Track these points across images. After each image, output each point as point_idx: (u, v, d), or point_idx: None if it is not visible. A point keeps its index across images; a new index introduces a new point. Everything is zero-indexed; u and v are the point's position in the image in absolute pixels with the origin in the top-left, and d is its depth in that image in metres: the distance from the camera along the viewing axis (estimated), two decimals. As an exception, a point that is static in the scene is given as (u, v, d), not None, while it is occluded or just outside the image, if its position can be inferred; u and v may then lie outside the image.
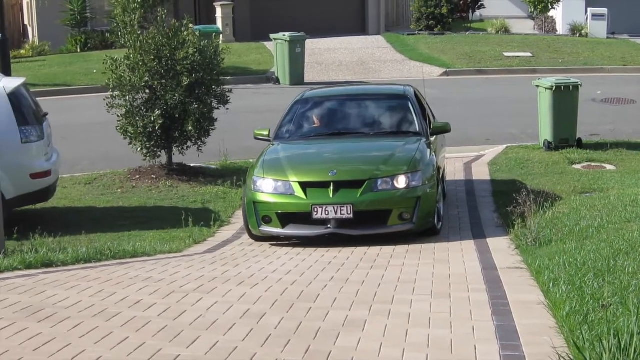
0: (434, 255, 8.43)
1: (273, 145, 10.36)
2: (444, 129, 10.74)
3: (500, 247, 8.57)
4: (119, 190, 12.71)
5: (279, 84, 23.66)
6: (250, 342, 4.91)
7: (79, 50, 29.86)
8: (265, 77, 24.49)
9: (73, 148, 14.57)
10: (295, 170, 9.16)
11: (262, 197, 9.05)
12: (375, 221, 8.93)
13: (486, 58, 26.45)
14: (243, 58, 25.95)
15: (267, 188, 9.06)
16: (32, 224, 9.49)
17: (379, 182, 8.94)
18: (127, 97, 13.14)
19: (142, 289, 6.63)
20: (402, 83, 13.72)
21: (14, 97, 11.51)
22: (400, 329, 5.31)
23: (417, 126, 10.29)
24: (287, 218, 8.98)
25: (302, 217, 8.94)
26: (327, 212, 8.72)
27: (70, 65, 26.51)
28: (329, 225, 8.80)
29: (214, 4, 31.28)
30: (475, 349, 4.72)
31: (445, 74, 24.94)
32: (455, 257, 8.25)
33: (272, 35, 24.80)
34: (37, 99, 12.76)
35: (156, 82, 13.03)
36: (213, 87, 13.62)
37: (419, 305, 5.96)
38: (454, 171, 13.40)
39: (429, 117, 11.16)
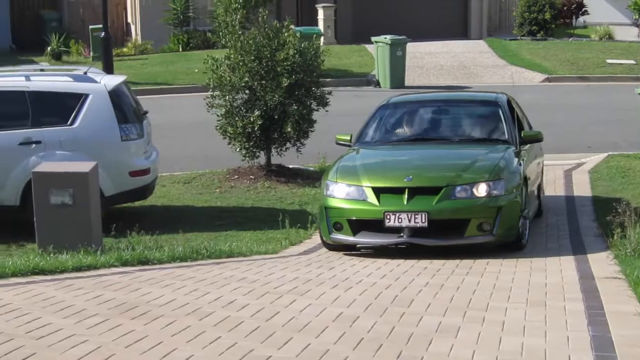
0: (531, 263, 8.37)
1: (352, 150, 10.14)
2: (536, 138, 10.12)
3: (599, 256, 8.46)
4: (217, 190, 12.97)
5: (380, 87, 23.94)
6: (342, 346, 4.95)
7: (180, 50, 30.78)
8: (365, 80, 24.80)
9: (172, 147, 14.93)
10: (369, 175, 8.83)
11: (333, 203, 8.76)
12: (452, 231, 8.53)
13: (589, 65, 26.22)
14: (344, 60, 26.23)
15: (339, 193, 8.76)
16: (129, 222, 9.72)
17: (457, 189, 8.50)
18: (227, 97, 13.45)
19: (236, 289, 6.74)
20: (498, 90, 13.43)
21: (115, 95, 11.82)
22: (493, 336, 5.33)
23: (505, 134, 9.79)
24: (358, 225, 8.63)
25: (374, 225, 8.57)
26: (400, 220, 8.31)
27: (171, 64, 27.29)
28: (402, 234, 8.40)
29: (316, 5, 31.79)
30: (569, 358, 4.71)
31: (547, 80, 25.07)
32: (552, 265, 8.20)
33: (373, 38, 25.23)
34: (138, 97, 13.21)
35: (256, 83, 13.26)
36: (313, 88, 13.78)
37: (513, 313, 5.99)
38: (554, 178, 13.29)
39: (522, 126, 10.76)
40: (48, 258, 7.79)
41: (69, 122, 11.68)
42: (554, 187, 12.78)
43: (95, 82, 12.11)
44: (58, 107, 12.00)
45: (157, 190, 11.99)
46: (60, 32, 31.35)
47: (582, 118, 18.85)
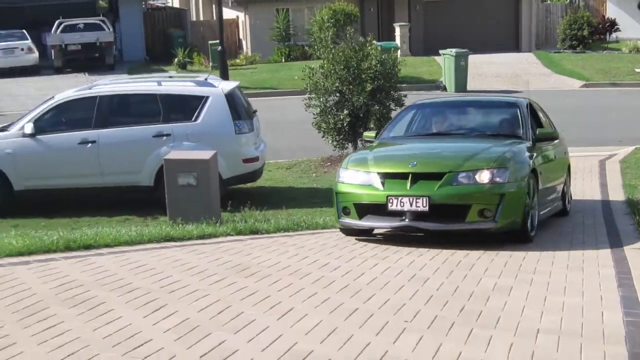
0: (572, 236, 8.34)
1: (371, 144, 9.26)
2: (551, 136, 8.93)
3: (627, 229, 8.32)
4: (314, 174, 13.18)
5: (446, 91, 24.01)
6: (415, 301, 5.01)
7: (283, 61, 30.86)
8: (434, 86, 24.84)
9: (277, 139, 15.04)
10: (377, 162, 7.82)
11: (342, 188, 7.78)
12: (453, 216, 7.29)
13: (620, 73, 26.66)
14: (416, 69, 26.25)
15: (348, 179, 7.77)
16: (242, 200, 9.86)
17: (460, 175, 7.30)
18: (321, 99, 13.77)
19: (329, 254, 6.82)
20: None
21: (230, 97, 11.96)
22: (540, 295, 5.44)
23: (519, 130, 8.57)
24: (363, 209, 7.57)
25: (378, 209, 7.45)
26: (402, 204, 7.19)
27: (276, 72, 27.52)
28: (404, 218, 7.26)
29: (394, 24, 31.72)
30: (603, 315, 4.81)
31: (585, 86, 25.44)
32: (588, 237, 8.08)
33: (441, 51, 25.33)
34: (249, 99, 13.35)
35: (345, 87, 13.53)
36: (391, 92, 14.00)
37: (556, 276, 6.08)
38: (590, 167, 13.23)
39: (542, 127, 9.45)
40: (177, 228, 7.97)
41: (193, 119, 11.83)
42: (590, 174, 12.69)
43: (214, 86, 12.33)
44: (184, 107, 12.18)
45: (265, 175, 12.15)
46: (185, 46, 32.07)
47: (614, 117, 19.09)
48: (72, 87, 14.25)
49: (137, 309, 4.93)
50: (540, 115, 9.59)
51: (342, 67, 14.35)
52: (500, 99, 10.80)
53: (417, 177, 7.27)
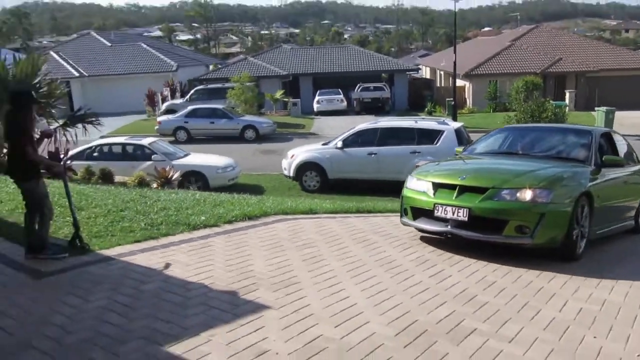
0: None
1: (449, 158, 8.09)
2: (616, 162, 7.29)
3: None
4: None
5: None
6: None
7: (491, 112, 31.80)
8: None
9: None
10: (436, 172, 6.78)
11: (405, 192, 6.87)
12: (492, 228, 6.04)
13: None
14: (578, 119, 24.50)
15: (411, 185, 6.84)
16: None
17: (504, 192, 6.05)
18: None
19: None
20: (608, 128, 9.73)
21: (457, 132, 12.82)
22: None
23: (584, 155, 7.02)
24: (417, 212, 6.65)
25: (428, 214, 6.51)
26: (445, 212, 6.24)
27: (486, 119, 27.78)
28: (447, 224, 6.27)
29: (565, 90, 32.65)
30: None
31: None
32: None
33: (596, 108, 25.43)
34: (470, 133, 13.98)
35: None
36: None
37: None
38: None
39: (619, 154, 7.68)
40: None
41: (434, 143, 12.69)
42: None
43: (448, 125, 13.11)
44: (430, 136, 12.91)
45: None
46: (431, 101, 33.70)
47: None
48: (365, 122, 15.08)
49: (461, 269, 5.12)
50: (620, 144, 7.90)
51: (528, 116, 16.88)
52: (579, 127, 8.36)
53: (463, 189, 6.23)
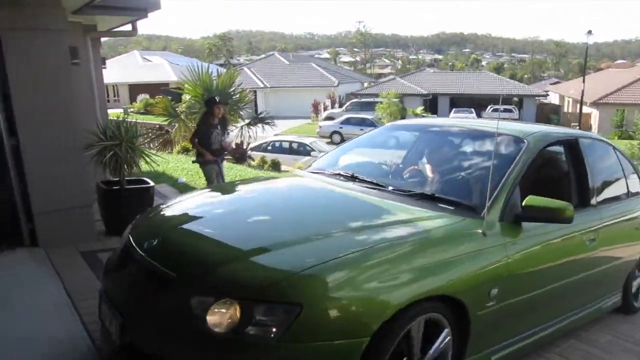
0: None
1: None
2: (550, 210, 2.45)
3: None
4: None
5: None
6: None
7: (616, 139, 28.17)
8: None
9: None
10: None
11: None
12: None
13: None
14: None
15: None
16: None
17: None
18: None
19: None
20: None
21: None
22: None
23: (475, 194, 2.60)
24: None
25: None
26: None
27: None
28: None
29: None
30: None
31: None
32: None
33: None
34: None
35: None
36: None
37: None
38: None
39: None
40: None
41: None
42: None
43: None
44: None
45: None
46: (558, 124, 30.35)
47: None
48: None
49: None
50: (620, 166, 3.56)
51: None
52: (508, 129, 3.18)
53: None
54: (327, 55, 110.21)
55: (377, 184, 2.78)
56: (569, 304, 2.96)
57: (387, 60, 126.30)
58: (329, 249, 1.98)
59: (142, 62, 42.02)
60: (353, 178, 2.92)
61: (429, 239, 2.18)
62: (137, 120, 5.88)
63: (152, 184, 5.23)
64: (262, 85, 40.23)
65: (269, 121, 11.55)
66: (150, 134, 10.12)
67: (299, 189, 2.93)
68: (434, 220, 2.32)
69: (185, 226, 2.43)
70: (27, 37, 4.18)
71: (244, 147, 11.81)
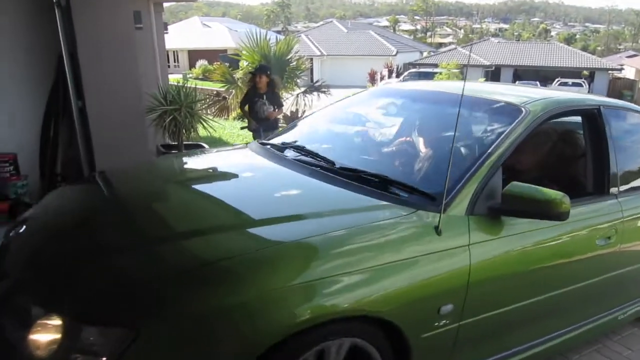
0: None
1: None
2: (532, 200, 1.76)
3: None
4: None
5: None
6: None
7: None
8: None
9: None
10: None
11: None
12: None
13: None
14: None
15: None
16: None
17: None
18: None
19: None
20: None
21: None
22: None
23: (435, 183, 1.88)
24: None
25: None
26: None
27: None
28: None
29: None
30: None
31: None
32: None
33: None
34: None
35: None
36: None
37: None
38: None
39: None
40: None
41: None
42: None
43: None
44: None
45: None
46: (632, 100, 27.60)
47: None
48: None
49: None
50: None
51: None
52: (503, 96, 2.31)
53: None
54: (387, 23, 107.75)
55: (323, 160, 2.10)
56: (566, 318, 2.26)
57: (448, 29, 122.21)
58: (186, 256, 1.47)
59: (202, 28, 42.77)
60: (300, 150, 2.30)
61: (345, 240, 1.51)
62: (196, 86, 5.90)
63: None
64: (319, 53, 40.44)
65: (325, 90, 11.50)
66: (208, 100, 10.35)
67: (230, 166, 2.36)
68: (366, 213, 1.65)
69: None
70: (94, -1, 4.26)
71: (299, 115, 11.90)
